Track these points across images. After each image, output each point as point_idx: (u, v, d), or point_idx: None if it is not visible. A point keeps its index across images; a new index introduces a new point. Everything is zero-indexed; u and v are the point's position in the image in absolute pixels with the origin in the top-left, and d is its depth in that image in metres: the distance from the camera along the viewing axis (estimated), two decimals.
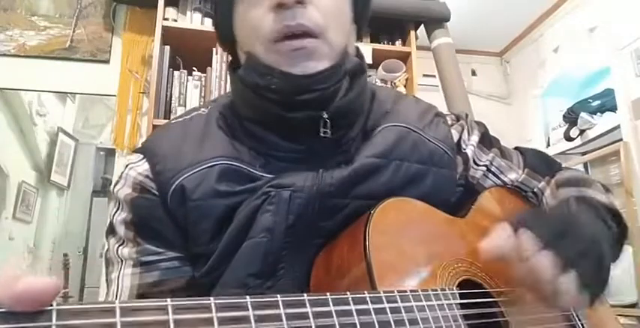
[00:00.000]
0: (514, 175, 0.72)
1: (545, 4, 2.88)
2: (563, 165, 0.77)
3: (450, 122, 0.72)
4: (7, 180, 2.10)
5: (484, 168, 0.71)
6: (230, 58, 0.68)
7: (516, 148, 0.77)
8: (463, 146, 0.71)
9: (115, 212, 0.61)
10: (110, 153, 2.21)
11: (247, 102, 0.62)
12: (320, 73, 0.56)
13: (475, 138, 0.72)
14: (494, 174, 0.71)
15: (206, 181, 0.57)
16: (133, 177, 0.60)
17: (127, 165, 0.62)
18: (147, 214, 0.59)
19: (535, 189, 0.72)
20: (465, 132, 0.72)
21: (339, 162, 0.60)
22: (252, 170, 0.59)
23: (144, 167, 0.61)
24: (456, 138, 0.71)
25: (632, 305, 2.03)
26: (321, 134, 0.58)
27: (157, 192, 0.59)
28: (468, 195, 0.69)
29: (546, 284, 0.48)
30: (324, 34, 0.57)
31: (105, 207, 2.12)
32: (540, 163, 0.74)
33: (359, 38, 0.70)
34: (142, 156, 0.62)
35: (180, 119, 0.67)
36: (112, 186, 0.63)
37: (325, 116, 0.57)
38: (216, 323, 0.31)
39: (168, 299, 0.30)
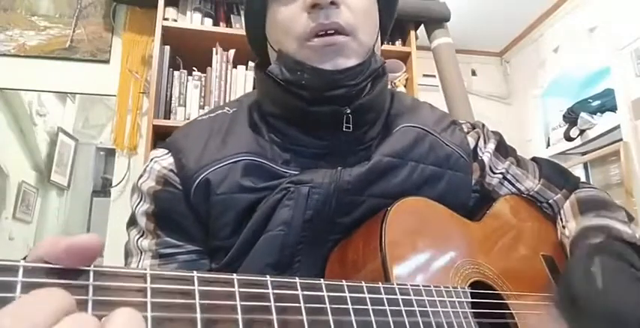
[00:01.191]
0: (530, 184, 0.72)
1: (545, 4, 2.88)
2: (573, 172, 0.77)
3: (465, 129, 0.74)
4: (7, 180, 2.10)
5: (500, 176, 0.71)
6: (257, 58, 0.70)
7: (533, 159, 0.78)
8: (479, 153, 0.72)
9: (138, 204, 0.63)
10: (110, 153, 2.21)
11: (273, 98, 0.64)
12: (350, 70, 0.59)
13: (491, 146, 0.73)
14: (509, 182, 0.72)
15: (231, 176, 0.59)
16: (157, 171, 0.62)
17: (151, 159, 0.64)
18: (169, 207, 0.61)
19: (550, 201, 0.73)
20: (482, 140, 0.73)
21: (359, 161, 0.62)
22: (274, 166, 0.61)
23: (168, 161, 0.62)
24: (472, 145, 0.72)
25: None
26: (344, 129, 0.60)
27: (180, 186, 0.61)
28: (484, 201, 0.70)
29: None
30: (355, 33, 0.60)
31: (105, 206, 2.11)
32: (555, 174, 0.75)
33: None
34: (166, 150, 0.64)
35: (205, 117, 0.69)
36: (136, 180, 0.65)
37: (348, 111, 0.60)
38: (237, 298, 0.33)
39: (195, 272, 0.32)
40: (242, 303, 0.32)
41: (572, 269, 0.56)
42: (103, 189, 2.25)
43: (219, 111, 0.69)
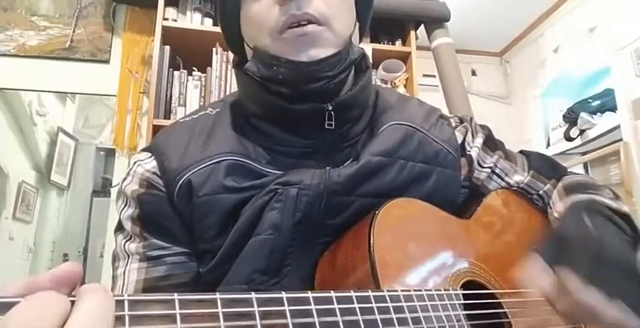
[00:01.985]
0: (519, 177, 0.72)
1: (545, 4, 2.88)
2: (568, 169, 0.77)
3: (453, 124, 0.73)
4: (7, 180, 2.10)
5: (488, 170, 0.71)
6: (236, 57, 0.69)
7: (520, 152, 0.77)
8: (467, 148, 0.71)
9: (123, 208, 0.62)
10: (110, 153, 2.21)
11: (253, 97, 0.63)
12: (325, 60, 0.57)
13: (479, 140, 0.72)
14: (498, 175, 0.71)
15: (213, 176, 0.58)
16: (141, 174, 0.61)
17: (134, 163, 0.63)
18: (153, 210, 0.60)
19: (540, 192, 0.72)
20: (469, 134, 0.72)
21: (346, 158, 0.61)
22: (258, 166, 0.59)
23: (151, 164, 0.61)
24: (460, 139, 0.71)
25: None
26: (326, 126, 0.59)
27: (163, 189, 0.60)
28: (473, 196, 0.69)
29: (595, 316, 0.49)
30: (329, 23, 0.58)
31: (105, 206, 2.11)
32: (544, 166, 0.74)
33: (361, 37, 0.70)
34: (149, 153, 0.63)
35: (187, 118, 0.68)
36: (120, 184, 0.64)
37: (329, 108, 0.58)
38: (221, 318, 0.31)
39: (175, 294, 0.31)
40: (226, 324, 0.31)
41: (565, 218, 0.59)
42: (103, 189, 2.25)
43: (202, 113, 0.67)
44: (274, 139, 0.61)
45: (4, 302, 0.26)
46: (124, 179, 0.63)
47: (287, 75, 0.57)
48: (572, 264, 0.50)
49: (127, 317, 0.28)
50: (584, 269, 0.50)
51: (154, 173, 0.61)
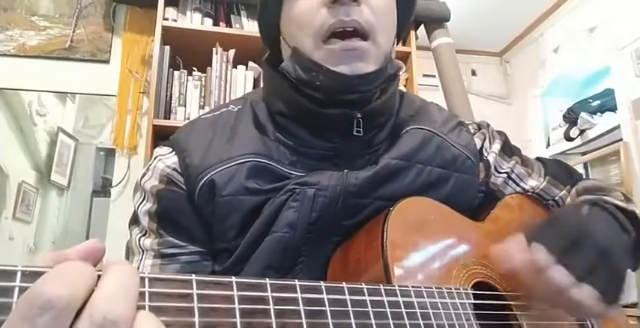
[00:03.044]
0: (534, 183, 0.72)
1: (545, 4, 2.88)
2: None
3: (472, 130, 0.73)
4: (7, 180, 2.10)
5: (505, 176, 0.71)
6: (267, 53, 0.69)
7: (537, 158, 0.78)
8: (485, 154, 0.71)
9: (140, 203, 0.62)
10: (110, 153, 2.21)
11: (281, 96, 0.63)
12: (368, 75, 0.58)
13: (497, 146, 0.72)
14: (514, 181, 0.71)
15: (236, 177, 0.58)
16: (161, 169, 0.61)
17: (155, 157, 0.63)
18: (172, 207, 0.60)
19: (556, 198, 0.72)
20: (487, 140, 0.73)
21: (365, 164, 0.61)
22: (280, 167, 0.60)
23: (172, 160, 0.62)
24: (478, 145, 0.71)
25: (633, 305, 2.03)
26: (354, 133, 0.59)
27: (184, 186, 0.60)
28: (489, 201, 0.70)
29: (560, 296, 0.49)
30: (374, 36, 0.58)
31: (105, 206, 2.11)
32: (561, 172, 0.74)
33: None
34: (170, 149, 0.63)
35: (209, 115, 0.67)
36: (138, 178, 0.64)
37: (359, 116, 0.59)
38: (236, 301, 0.32)
39: (193, 275, 0.32)
40: (240, 306, 0.32)
41: (566, 207, 0.61)
42: (103, 189, 2.25)
43: (224, 109, 0.67)
44: (299, 140, 0.61)
45: (33, 271, 0.26)
46: (144, 174, 0.63)
47: (325, 83, 0.57)
48: (548, 242, 0.51)
49: (147, 293, 0.29)
50: (558, 249, 0.50)
51: (175, 169, 0.61)
